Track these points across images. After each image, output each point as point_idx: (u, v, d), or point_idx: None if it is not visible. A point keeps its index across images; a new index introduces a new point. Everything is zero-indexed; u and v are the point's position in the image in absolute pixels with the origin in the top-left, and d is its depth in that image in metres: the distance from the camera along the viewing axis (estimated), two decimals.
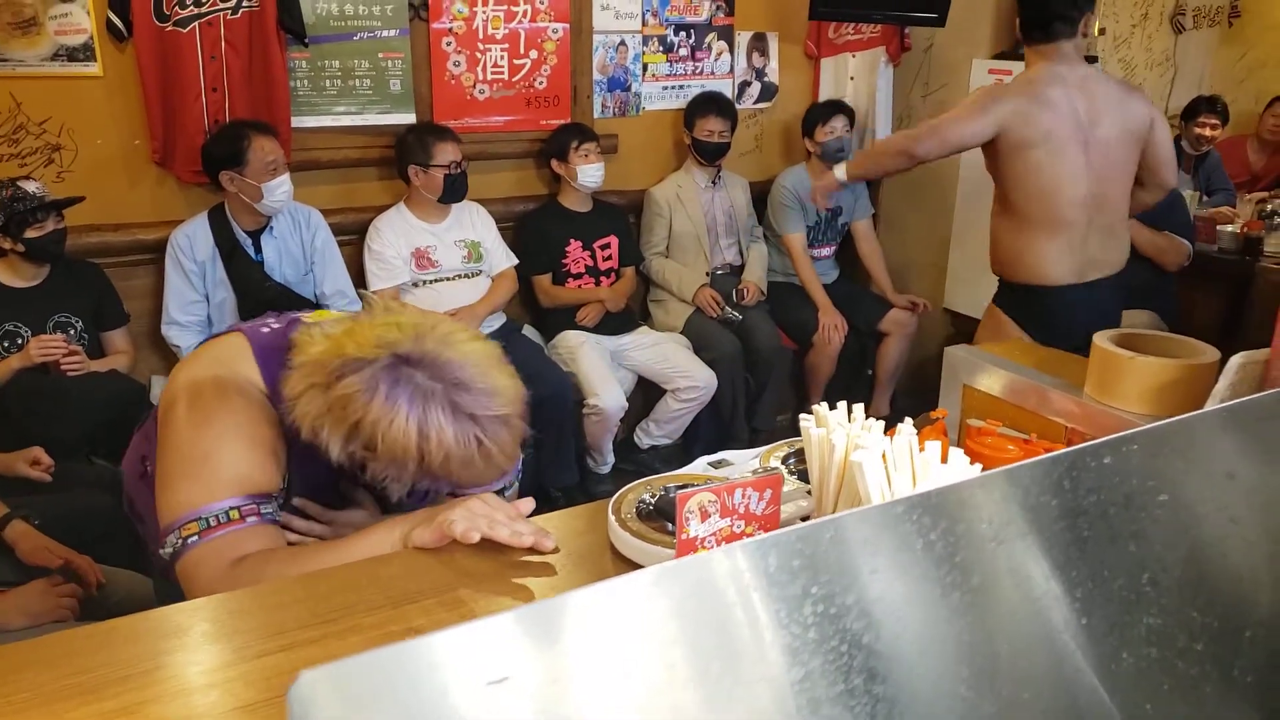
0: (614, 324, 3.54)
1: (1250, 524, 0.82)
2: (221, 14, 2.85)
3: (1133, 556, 0.76)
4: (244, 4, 2.87)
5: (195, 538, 1.23)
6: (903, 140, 2.65)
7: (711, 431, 3.68)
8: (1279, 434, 0.82)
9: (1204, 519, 0.79)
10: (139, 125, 2.92)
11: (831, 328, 3.74)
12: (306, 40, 3.01)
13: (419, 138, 3.14)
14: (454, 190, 3.15)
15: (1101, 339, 1.24)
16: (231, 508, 1.25)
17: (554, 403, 3.22)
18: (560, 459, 3.29)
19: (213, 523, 1.24)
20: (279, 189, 2.80)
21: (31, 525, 2.02)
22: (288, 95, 3.01)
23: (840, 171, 2.86)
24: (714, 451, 3.57)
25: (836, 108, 3.77)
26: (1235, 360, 1.11)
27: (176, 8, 2.80)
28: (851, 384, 4.01)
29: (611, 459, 3.52)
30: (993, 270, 2.74)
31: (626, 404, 3.38)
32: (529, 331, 3.54)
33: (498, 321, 3.36)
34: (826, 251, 4.00)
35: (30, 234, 2.56)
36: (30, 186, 2.57)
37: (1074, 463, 0.72)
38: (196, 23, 2.83)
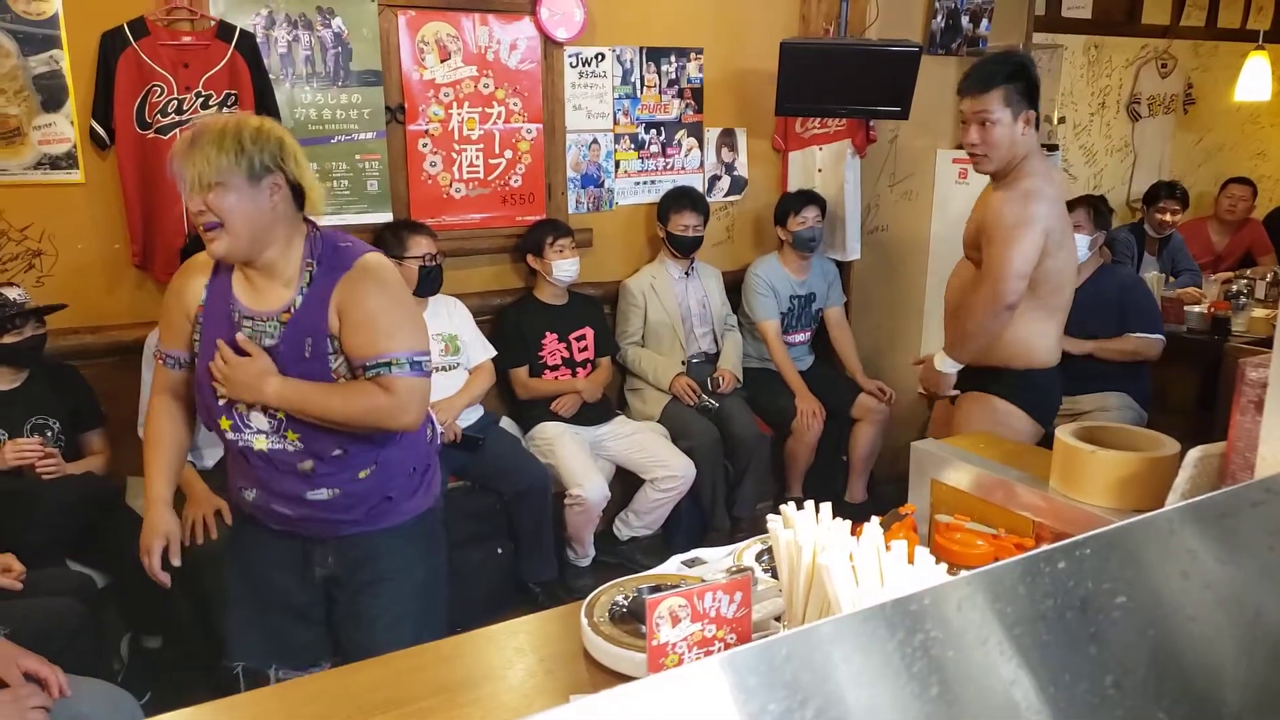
0: (591, 414, 3.54)
1: (1208, 622, 0.83)
2: None
3: (1094, 659, 0.76)
4: (224, 111, 2.93)
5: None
6: (988, 305, 2.41)
7: (692, 521, 3.66)
8: (1232, 531, 0.83)
9: (1163, 619, 0.80)
10: (119, 229, 2.95)
11: (810, 414, 3.76)
12: None
13: (394, 232, 3.19)
14: (429, 282, 3.18)
15: (1064, 433, 1.26)
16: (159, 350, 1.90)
17: (533, 496, 3.20)
18: (539, 553, 3.26)
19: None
20: None
21: (1, 636, 1.98)
22: None
23: (948, 364, 2.57)
24: (695, 542, 3.56)
25: (808, 198, 3.86)
26: (1193, 454, 1.12)
27: (158, 115, 2.86)
28: (830, 470, 4.01)
29: (592, 551, 3.49)
30: (996, 362, 2.54)
31: (609, 493, 3.37)
32: (506, 424, 3.54)
33: (476, 414, 3.36)
34: (801, 338, 4.04)
35: (8, 339, 2.57)
36: (11, 293, 2.59)
37: (1028, 569, 0.73)
38: (177, 129, 2.89)
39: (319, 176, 3.19)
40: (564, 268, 3.45)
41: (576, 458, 3.33)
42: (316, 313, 1.74)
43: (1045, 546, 0.72)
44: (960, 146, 4.22)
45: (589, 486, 3.25)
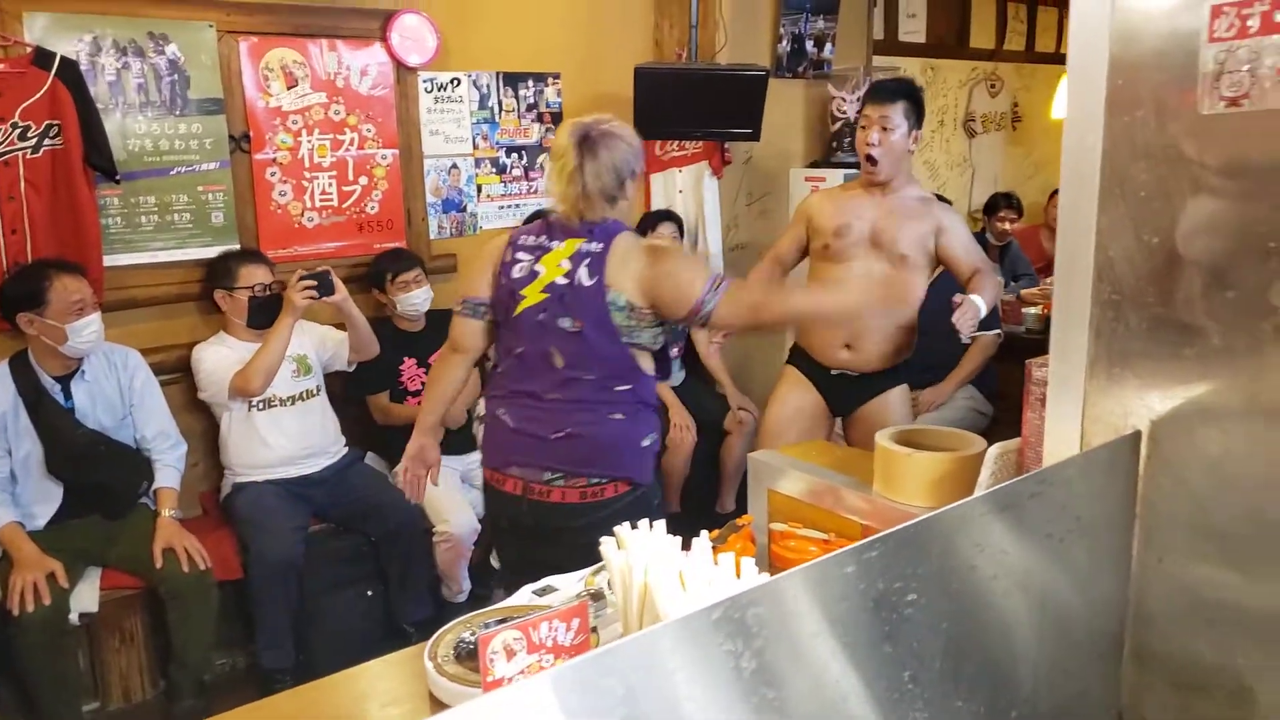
0: (458, 443, 3.48)
1: (999, 609, 0.87)
2: (20, 153, 2.75)
3: (889, 657, 0.79)
4: (45, 143, 2.78)
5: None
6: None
7: None
8: (1015, 524, 0.88)
9: (954, 612, 0.84)
10: None
11: (683, 428, 3.78)
12: (118, 177, 2.93)
13: (224, 262, 3.08)
14: (261, 313, 3.04)
15: (883, 438, 1.32)
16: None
17: (402, 534, 3.12)
18: (412, 592, 3.17)
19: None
20: (86, 329, 2.66)
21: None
22: (98, 233, 2.91)
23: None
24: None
25: (664, 216, 3.91)
26: (993, 451, 1.19)
27: None
28: (709, 483, 4.03)
29: (468, 585, 3.41)
30: (903, 356, 2.96)
31: (479, 526, 3.30)
32: (372, 459, 3.45)
33: (339, 449, 3.26)
34: (674, 352, 4.06)
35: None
36: None
37: (822, 574, 0.75)
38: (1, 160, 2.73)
39: (156, 211, 3.09)
40: (412, 300, 3.36)
41: (444, 492, 3.25)
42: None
43: (833, 552, 0.75)
44: (810, 164, 4.40)
45: (456, 521, 3.20)
